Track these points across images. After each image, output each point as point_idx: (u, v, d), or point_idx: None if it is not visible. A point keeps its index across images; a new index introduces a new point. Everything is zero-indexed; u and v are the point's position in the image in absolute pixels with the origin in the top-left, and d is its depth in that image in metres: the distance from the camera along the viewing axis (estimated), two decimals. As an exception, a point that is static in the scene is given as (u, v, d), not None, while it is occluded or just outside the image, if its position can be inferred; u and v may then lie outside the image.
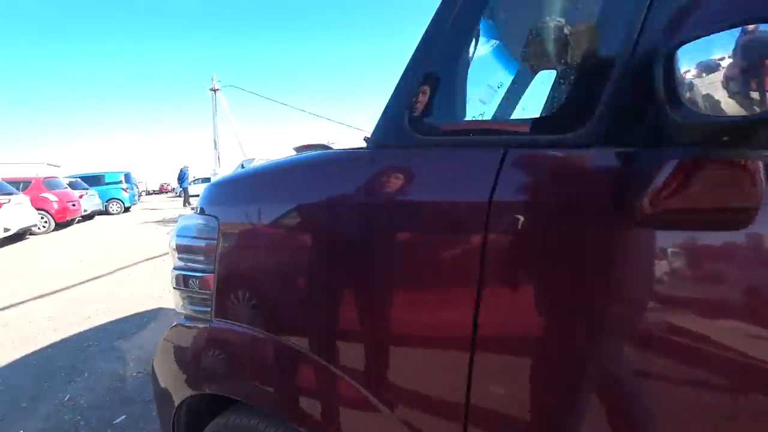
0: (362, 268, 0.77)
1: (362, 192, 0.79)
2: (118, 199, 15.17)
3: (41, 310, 3.87)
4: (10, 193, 8.25)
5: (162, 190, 42.81)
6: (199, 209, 1.05)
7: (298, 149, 6.87)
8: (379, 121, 0.81)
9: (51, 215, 9.89)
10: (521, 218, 0.62)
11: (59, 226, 10.32)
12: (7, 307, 4.02)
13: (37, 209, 9.29)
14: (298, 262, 0.86)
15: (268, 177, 0.97)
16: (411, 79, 0.78)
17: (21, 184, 9.77)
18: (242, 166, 13.83)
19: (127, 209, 15.52)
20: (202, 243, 1.00)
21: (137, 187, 19.01)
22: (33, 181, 10.16)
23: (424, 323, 0.72)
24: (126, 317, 3.59)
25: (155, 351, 1.18)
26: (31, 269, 5.80)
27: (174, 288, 1.08)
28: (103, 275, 5.19)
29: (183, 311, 1.10)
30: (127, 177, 15.97)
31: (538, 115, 1.16)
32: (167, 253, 6.39)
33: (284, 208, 0.87)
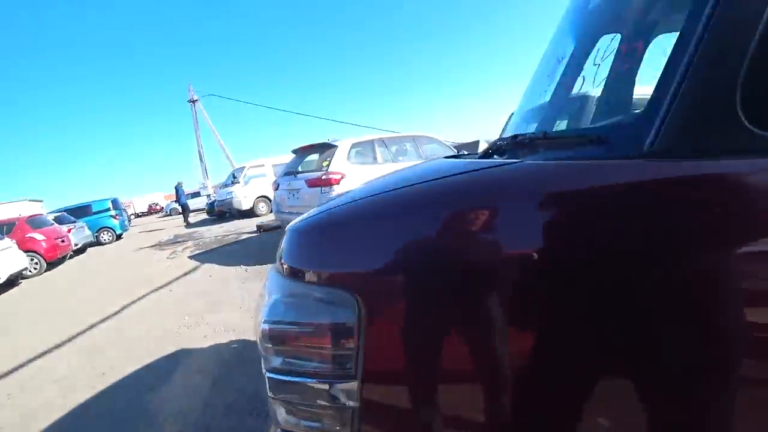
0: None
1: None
2: (109, 228, 14.55)
3: (48, 372, 3.41)
4: (-6, 239, 7.72)
5: (151, 211, 41.62)
6: (295, 272, 0.64)
7: (297, 151, 6.41)
8: (640, 116, 0.48)
9: (41, 255, 9.37)
10: None
11: (51, 265, 9.80)
12: (10, 372, 3.56)
13: (26, 251, 8.80)
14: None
15: (450, 204, 0.55)
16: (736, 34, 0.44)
17: (4, 228, 9.24)
18: (233, 176, 13.28)
19: (119, 237, 14.92)
20: (324, 333, 0.58)
21: (125, 212, 18.31)
22: (17, 223, 9.62)
23: None
24: (146, 366, 3.15)
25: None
26: (29, 319, 5.31)
27: (271, 397, 0.68)
28: (110, 316, 4.73)
29: (284, 425, 0.69)
30: (115, 203, 15.33)
31: None
32: (172, 282, 5.96)
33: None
